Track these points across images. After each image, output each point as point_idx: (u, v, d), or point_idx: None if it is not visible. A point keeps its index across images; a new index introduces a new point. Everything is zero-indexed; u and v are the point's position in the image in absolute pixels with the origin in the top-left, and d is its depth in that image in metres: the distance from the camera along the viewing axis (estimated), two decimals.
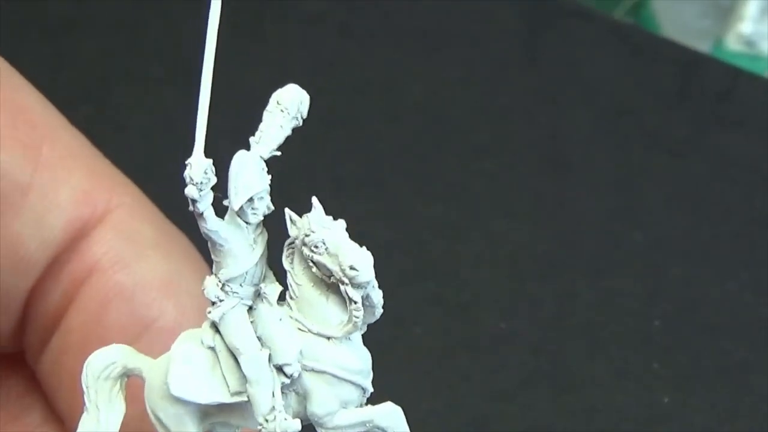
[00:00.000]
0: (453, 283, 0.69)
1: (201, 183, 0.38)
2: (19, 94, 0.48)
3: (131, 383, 0.43)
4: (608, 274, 0.71)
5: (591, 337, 0.68)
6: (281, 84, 0.44)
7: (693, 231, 0.74)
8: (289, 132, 0.39)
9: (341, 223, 0.39)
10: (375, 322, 0.40)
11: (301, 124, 0.40)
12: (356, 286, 0.38)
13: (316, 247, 0.38)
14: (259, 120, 0.40)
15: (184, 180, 0.38)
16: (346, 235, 0.39)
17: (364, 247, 0.38)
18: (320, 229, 0.38)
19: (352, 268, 0.38)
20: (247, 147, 0.39)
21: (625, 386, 0.65)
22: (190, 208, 0.38)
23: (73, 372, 0.48)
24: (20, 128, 0.46)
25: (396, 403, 0.43)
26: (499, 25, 0.86)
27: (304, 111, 0.39)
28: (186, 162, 0.38)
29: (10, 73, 0.48)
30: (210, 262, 0.41)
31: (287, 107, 0.39)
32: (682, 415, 0.64)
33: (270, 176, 0.39)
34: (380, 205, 0.72)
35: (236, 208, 0.38)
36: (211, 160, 0.38)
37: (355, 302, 0.38)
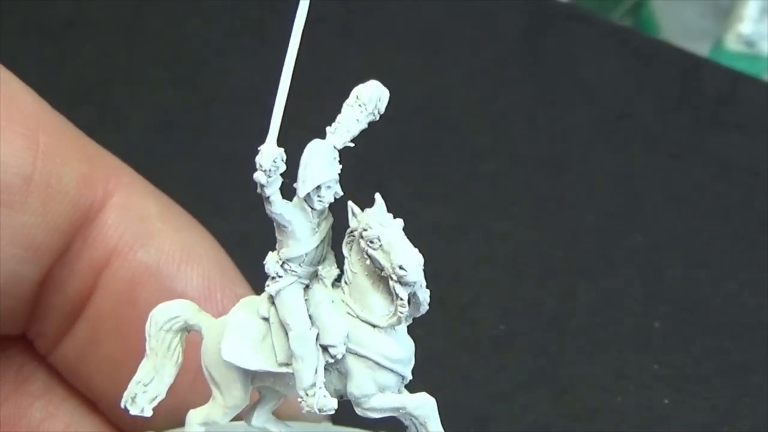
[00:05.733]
0: (453, 284, 0.70)
1: (269, 170, 0.39)
2: (7, 85, 0.48)
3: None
4: (608, 275, 0.71)
5: (591, 337, 0.68)
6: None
7: (692, 232, 0.74)
8: (365, 126, 0.41)
9: (399, 222, 0.41)
10: None
11: (377, 119, 0.41)
12: (404, 284, 0.40)
13: (372, 242, 0.40)
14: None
15: (254, 165, 0.40)
16: (402, 234, 0.40)
17: (416, 249, 0.40)
18: (378, 225, 0.40)
19: (401, 267, 0.40)
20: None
21: (625, 387, 0.65)
22: (258, 191, 0.40)
23: (111, 357, 0.49)
24: (16, 119, 0.46)
25: None
26: (499, 27, 0.86)
27: (382, 107, 0.41)
28: (258, 148, 0.40)
29: None
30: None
31: (365, 103, 0.41)
32: (682, 416, 0.64)
33: (341, 166, 0.41)
34: None
35: (302, 196, 0.40)
36: (282, 149, 0.40)
37: (401, 299, 0.40)
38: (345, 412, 0.43)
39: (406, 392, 0.43)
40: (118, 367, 0.48)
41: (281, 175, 0.40)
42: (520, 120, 0.80)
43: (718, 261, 0.72)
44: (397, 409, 0.42)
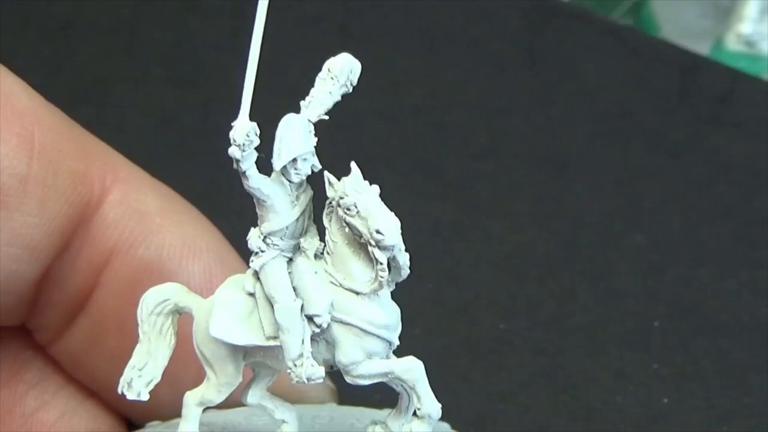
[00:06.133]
0: (453, 284, 0.69)
1: (243, 144, 0.40)
2: (2, 82, 0.47)
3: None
4: (608, 275, 0.71)
5: (591, 337, 0.68)
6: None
7: (692, 232, 0.74)
8: (338, 98, 0.42)
9: (375, 189, 0.41)
10: None
11: (350, 90, 0.42)
12: (382, 248, 0.40)
13: (349, 209, 0.41)
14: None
15: (229, 140, 0.40)
16: (379, 200, 0.41)
17: (393, 213, 0.40)
18: (354, 192, 0.41)
19: (378, 232, 0.40)
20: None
21: (625, 386, 0.65)
22: (234, 166, 0.40)
23: (113, 352, 0.49)
24: (10, 119, 0.46)
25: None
26: (498, 26, 0.86)
27: (354, 79, 0.42)
28: (232, 123, 0.40)
29: None
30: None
31: (337, 75, 0.41)
32: (681, 415, 0.64)
33: (317, 139, 0.41)
34: None
35: (277, 169, 0.41)
36: (255, 124, 0.40)
37: (381, 263, 0.41)
38: (349, 393, 0.43)
39: (394, 357, 0.43)
40: (122, 362, 0.48)
41: (257, 149, 0.40)
42: (519, 119, 0.80)
43: (718, 261, 0.72)
44: (386, 374, 0.43)
